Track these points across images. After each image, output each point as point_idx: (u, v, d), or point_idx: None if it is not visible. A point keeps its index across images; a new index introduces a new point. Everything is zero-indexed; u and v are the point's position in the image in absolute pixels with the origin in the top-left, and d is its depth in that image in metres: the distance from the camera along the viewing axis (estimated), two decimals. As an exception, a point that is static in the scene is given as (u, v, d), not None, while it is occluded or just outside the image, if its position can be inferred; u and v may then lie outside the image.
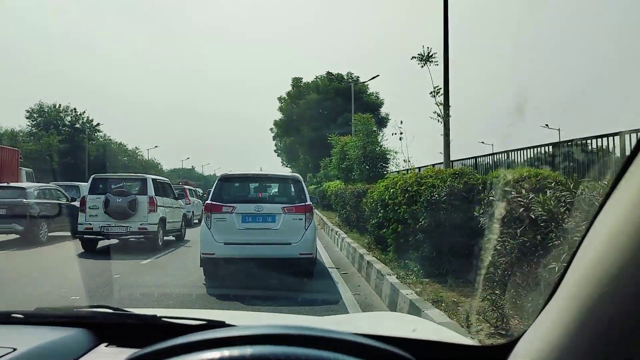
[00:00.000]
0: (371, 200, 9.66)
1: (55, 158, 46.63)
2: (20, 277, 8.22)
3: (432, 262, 6.36)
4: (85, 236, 11.16)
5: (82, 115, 57.48)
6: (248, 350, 0.76)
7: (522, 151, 9.45)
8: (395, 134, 11.66)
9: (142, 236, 11.44)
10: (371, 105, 38.12)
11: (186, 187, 22.67)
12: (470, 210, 5.30)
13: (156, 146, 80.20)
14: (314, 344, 0.81)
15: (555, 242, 2.69)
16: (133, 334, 1.38)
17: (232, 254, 7.24)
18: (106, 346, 1.35)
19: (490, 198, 4.44)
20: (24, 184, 15.30)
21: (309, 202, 7.65)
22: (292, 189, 8.06)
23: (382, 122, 35.64)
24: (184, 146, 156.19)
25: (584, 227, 0.83)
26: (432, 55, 10.37)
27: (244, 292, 6.40)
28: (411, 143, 14.06)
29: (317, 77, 43.91)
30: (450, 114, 10.11)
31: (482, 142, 46.37)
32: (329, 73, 40.76)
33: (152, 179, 12.17)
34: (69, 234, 13.33)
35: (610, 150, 6.53)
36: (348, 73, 41.76)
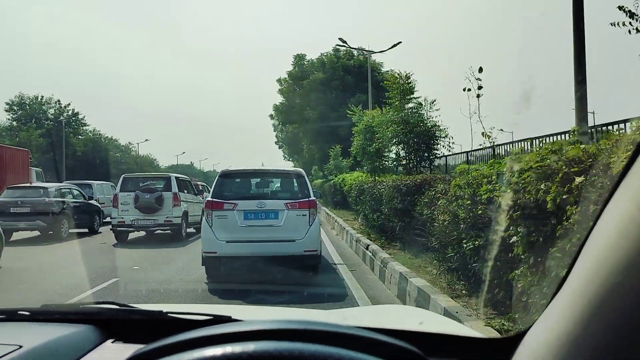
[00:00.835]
0: (455, 198, 5.40)
1: (35, 154, 38.02)
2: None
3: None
4: (118, 229, 12.67)
5: (67, 108, 53.10)
6: (253, 345, 0.76)
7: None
8: (468, 89, 6.90)
9: (168, 228, 12.99)
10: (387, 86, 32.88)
11: (199, 183, 23.95)
12: None
13: (147, 140, 73.16)
14: (321, 339, 0.81)
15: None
16: (139, 330, 1.39)
17: (235, 253, 7.14)
18: (112, 342, 1.35)
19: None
20: (46, 184, 16.11)
21: (312, 197, 7.54)
22: (295, 184, 7.94)
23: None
24: (179, 140, 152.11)
25: (593, 215, 0.82)
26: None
27: (250, 287, 6.42)
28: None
29: (322, 54, 36.97)
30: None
31: (502, 130, 45.31)
32: (341, 39, 26.96)
33: (175, 177, 14.01)
34: (86, 230, 15.04)
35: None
36: (359, 47, 30.36)
